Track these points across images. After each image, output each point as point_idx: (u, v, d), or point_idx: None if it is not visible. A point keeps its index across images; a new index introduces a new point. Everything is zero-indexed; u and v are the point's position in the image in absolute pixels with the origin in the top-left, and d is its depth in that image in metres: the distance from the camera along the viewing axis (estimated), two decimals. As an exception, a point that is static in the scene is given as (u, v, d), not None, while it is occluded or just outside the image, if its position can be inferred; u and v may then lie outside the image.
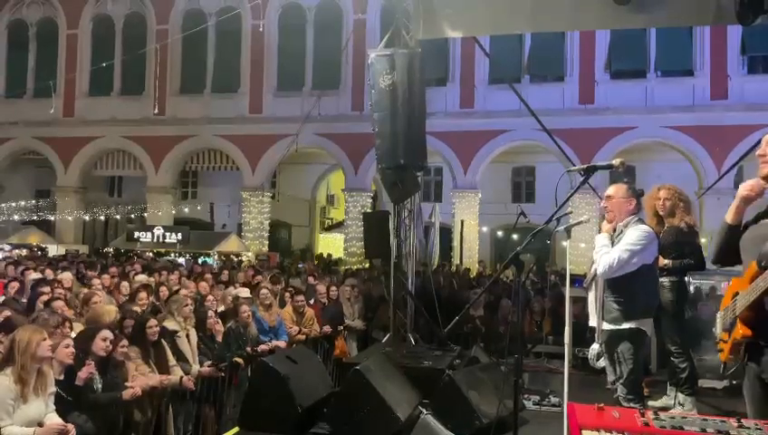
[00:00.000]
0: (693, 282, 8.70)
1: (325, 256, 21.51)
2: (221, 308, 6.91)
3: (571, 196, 4.38)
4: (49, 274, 8.64)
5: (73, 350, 4.28)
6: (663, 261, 5.32)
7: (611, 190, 4.51)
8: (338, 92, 20.26)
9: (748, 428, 2.39)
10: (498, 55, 18.13)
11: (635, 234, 4.22)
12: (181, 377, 5.22)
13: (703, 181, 17.37)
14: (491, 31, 11.19)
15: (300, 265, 13.92)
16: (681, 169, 18.51)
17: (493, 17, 7.66)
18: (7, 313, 5.32)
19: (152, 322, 5.32)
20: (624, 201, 4.41)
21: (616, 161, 3.95)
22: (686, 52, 18.12)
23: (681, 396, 5.35)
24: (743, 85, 17.69)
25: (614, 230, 4.41)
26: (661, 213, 5.53)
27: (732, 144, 16.76)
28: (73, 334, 4.75)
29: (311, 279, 10.52)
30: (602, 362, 4.42)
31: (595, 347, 4.40)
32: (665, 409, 5.01)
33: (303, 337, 7.44)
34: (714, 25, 15.88)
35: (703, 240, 7.17)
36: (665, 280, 5.40)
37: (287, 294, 8.56)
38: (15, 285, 7.65)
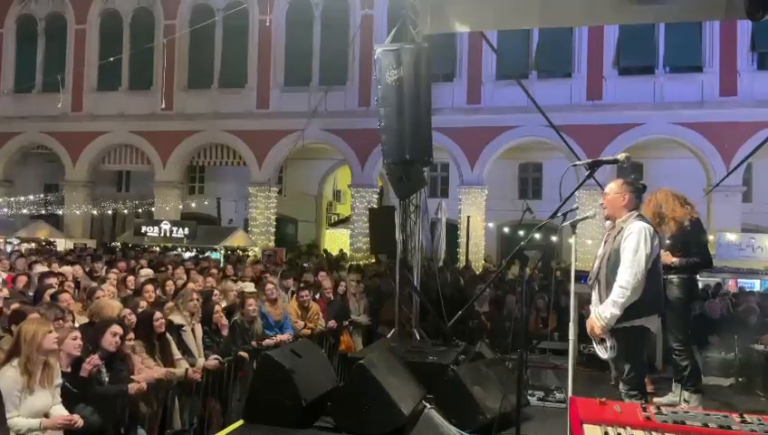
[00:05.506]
0: (700, 279, 8.68)
1: (334, 252, 21.48)
2: (224, 303, 6.92)
3: (575, 191, 4.36)
4: (56, 268, 8.70)
5: (81, 342, 4.30)
6: (671, 259, 5.30)
7: (607, 187, 4.47)
8: (345, 88, 20.24)
9: (750, 422, 2.37)
10: (505, 51, 18.05)
11: (634, 238, 4.14)
12: (187, 369, 5.25)
13: (711, 178, 17.27)
14: (499, 26, 11.16)
15: (305, 265, 13.93)
16: (689, 165, 18.41)
17: (500, 12, 7.63)
18: (16, 305, 5.38)
19: (158, 315, 5.35)
20: (617, 196, 4.35)
21: (621, 156, 3.93)
22: (695, 48, 17.99)
23: (686, 393, 5.32)
24: (752, 82, 17.55)
25: (613, 226, 4.38)
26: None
27: (741, 141, 16.64)
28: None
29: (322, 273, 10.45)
30: (611, 352, 4.33)
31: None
32: (670, 406, 4.98)
33: (309, 332, 7.46)
34: (724, 21, 15.75)
35: (710, 238, 7.14)
36: (674, 277, 5.36)
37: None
38: (24, 278, 7.73)
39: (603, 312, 4.15)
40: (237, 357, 6.00)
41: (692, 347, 5.49)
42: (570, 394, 3.87)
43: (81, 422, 3.87)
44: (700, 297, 8.38)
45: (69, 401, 4.04)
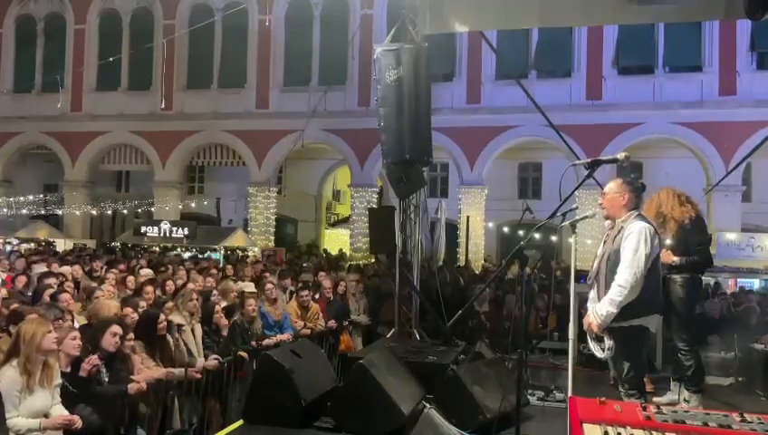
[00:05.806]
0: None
1: (334, 252, 21.48)
2: (224, 303, 6.92)
3: (574, 190, 4.36)
4: (55, 268, 8.68)
5: (80, 342, 4.30)
6: (671, 258, 5.30)
7: (606, 187, 4.46)
8: (344, 88, 20.23)
9: (750, 422, 2.37)
10: (505, 51, 18.01)
11: (634, 237, 4.14)
12: (186, 368, 5.24)
13: (711, 178, 17.27)
14: (498, 25, 11.15)
15: (305, 265, 13.93)
16: (689, 165, 18.42)
17: (500, 12, 7.64)
18: (15, 305, 5.38)
19: (161, 317, 5.35)
20: (616, 196, 4.34)
21: (620, 155, 3.92)
22: (695, 47, 17.99)
23: (687, 393, 5.32)
24: (752, 81, 17.55)
25: (613, 226, 4.37)
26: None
27: (740, 141, 16.64)
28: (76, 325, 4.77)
29: (322, 273, 10.44)
30: (607, 353, 4.31)
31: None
32: (670, 405, 4.98)
33: (309, 332, 7.46)
34: (724, 21, 15.75)
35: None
36: (676, 276, 5.36)
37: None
38: (23, 278, 7.73)
39: (600, 309, 4.16)
40: (237, 357, 6.00)
41: (696, 346, 5.49)
42: (570, 394, 3.87)
43: (80, 423, 3.87)
44: (703, 297, 8.38)
45: (68, 401, 4.04)
